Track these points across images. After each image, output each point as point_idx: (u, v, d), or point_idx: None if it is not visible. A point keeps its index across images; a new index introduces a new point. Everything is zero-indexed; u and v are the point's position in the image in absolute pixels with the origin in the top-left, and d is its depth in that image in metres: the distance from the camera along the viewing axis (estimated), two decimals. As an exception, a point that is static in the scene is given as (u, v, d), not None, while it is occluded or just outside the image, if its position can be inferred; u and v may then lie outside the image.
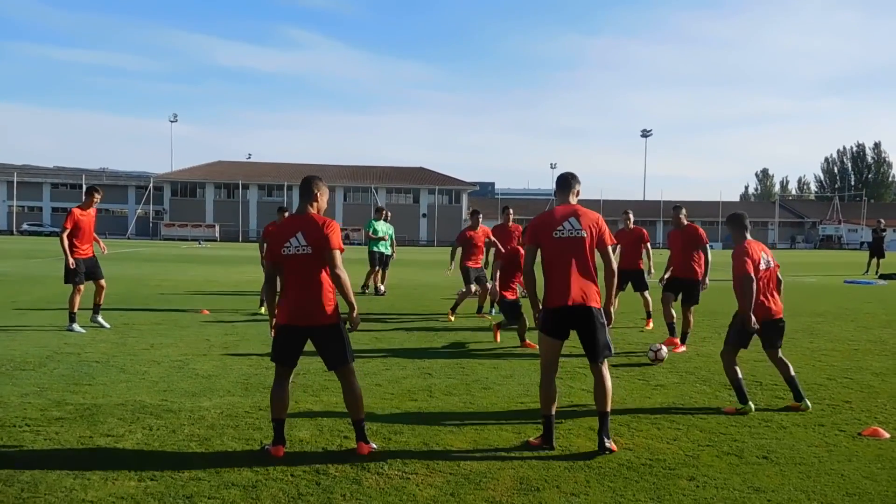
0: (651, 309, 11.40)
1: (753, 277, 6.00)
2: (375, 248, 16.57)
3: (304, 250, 4.73)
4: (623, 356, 8.80)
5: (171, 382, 6.82)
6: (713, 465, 4.77)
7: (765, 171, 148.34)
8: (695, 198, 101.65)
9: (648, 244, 11.49)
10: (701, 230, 9.86)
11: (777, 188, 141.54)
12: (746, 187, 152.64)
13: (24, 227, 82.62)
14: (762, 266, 6.14)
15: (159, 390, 6.54)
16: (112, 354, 8.26)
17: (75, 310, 9.94)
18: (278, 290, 4.96)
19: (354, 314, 4.87)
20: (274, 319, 4.91)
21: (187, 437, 5.10)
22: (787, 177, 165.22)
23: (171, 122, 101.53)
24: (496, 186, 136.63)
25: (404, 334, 10.46)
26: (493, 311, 12.35)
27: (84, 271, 9.97)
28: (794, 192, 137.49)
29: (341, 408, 6.07)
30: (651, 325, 11.32)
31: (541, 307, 5.17)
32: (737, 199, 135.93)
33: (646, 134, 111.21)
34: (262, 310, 11.99)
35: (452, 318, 12.03)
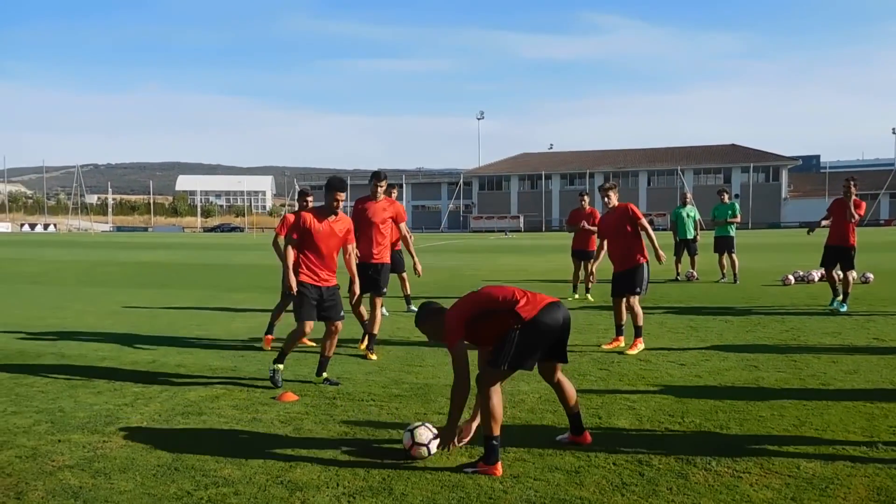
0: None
1: None
2: (680, 236, 16.37)
3: None
4: None
5: (491, 366, 7.15)
6: None
7: None
8: None
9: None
10: None
11: None
12: None
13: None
14: None
15: (481, 373, 6.89)
16: (438, 338, 8.93)
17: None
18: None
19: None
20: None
21: (510, 418, 5.27)
22: None
23: (479, 119, 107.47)
24: (822, 159, 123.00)
25: (723, 323, 9.83)
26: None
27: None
28: None
29: (659, 397, 5.89)
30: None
31: None
32: None
33: None
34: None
35: None
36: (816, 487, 3.92)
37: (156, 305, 12.76)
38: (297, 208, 8.80)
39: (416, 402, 5.84)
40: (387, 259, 8.01)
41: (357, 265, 7.14)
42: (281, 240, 8.29)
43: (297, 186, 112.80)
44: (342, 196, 6.54)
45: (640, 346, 7.87)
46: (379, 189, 7.99)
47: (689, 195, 17.09)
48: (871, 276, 14.89)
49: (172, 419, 5.42)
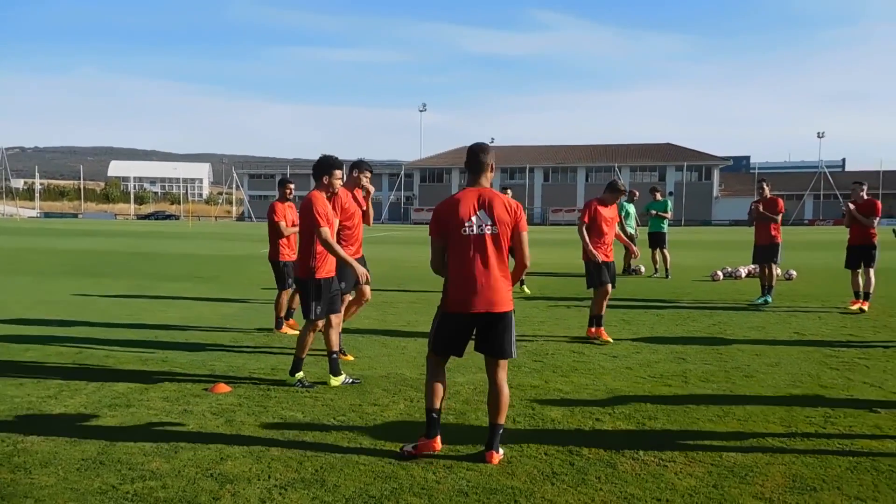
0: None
1: None
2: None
3: (490, 230, 4.31)
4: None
5: (427, 357, 7.18)
6: None
7: None
8: None
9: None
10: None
11: None
12: None
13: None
14: None
15: (417, 365, 6.91)
16: (374, 329, 8.92)
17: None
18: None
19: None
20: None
21: (445, 410, 5.31)
22: None
23: (421, 111, 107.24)
24: (752, 160, 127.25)
25: (654, 316, 10.10)
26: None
27: None
28: None
29: (591, 388, 6.01)
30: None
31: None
32: None
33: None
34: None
35: None
36: (737, 475, 4.07)
37: (85, 294, 12.36)
38: (276, 197, 8.93)
39: (352, 394, 5.82)
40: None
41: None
42: (284, 227, 8.66)
43: (234, 174, 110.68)
44: (341, 174, 6.16)
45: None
46: (363, 179, 7.26)
47: (636, 192, 17.31)
48: (794, 273, 15.50)
49: (99, 411, 5.27)
